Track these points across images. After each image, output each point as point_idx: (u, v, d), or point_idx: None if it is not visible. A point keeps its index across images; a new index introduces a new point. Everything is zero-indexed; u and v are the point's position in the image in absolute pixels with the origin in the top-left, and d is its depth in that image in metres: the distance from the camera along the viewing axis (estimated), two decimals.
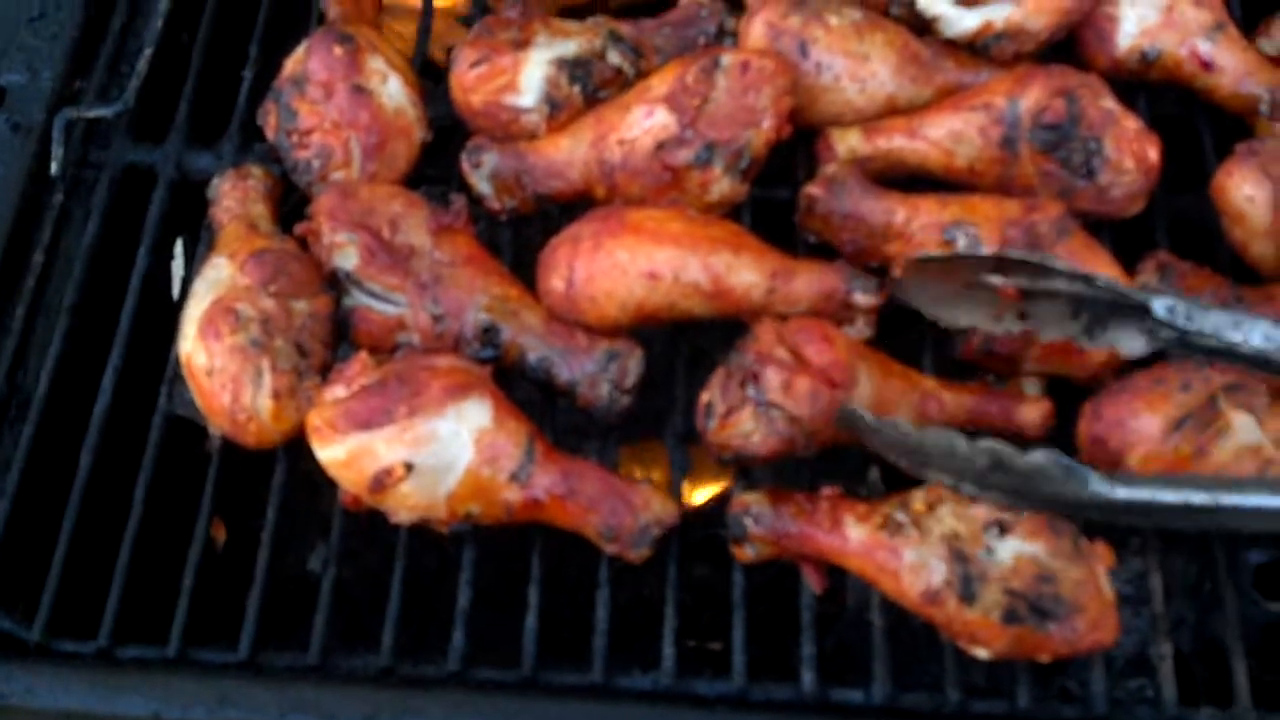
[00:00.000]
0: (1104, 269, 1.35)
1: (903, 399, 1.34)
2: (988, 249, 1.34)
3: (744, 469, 1.40)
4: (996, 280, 1.33)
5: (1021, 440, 1.35)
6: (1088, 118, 1.42)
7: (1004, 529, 1.22)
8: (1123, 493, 1.18)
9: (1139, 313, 1.26)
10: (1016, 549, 1.21)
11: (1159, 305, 1.23)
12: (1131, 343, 1.27)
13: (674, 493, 1.40)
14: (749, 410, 1.28)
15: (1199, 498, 1.16)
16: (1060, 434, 1.37)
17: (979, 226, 1.36)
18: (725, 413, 1.30)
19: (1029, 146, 1.43)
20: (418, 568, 1.40)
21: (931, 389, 1.36)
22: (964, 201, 1.40)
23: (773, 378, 1.27)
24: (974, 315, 1.37)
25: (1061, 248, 1.34)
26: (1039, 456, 1.19)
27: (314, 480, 1.54)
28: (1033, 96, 1.43)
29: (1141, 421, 1.28)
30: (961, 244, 1.36)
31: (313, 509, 1.64)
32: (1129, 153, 1.43)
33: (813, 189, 1.44)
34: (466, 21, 1.79)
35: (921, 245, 1.39)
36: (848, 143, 1.49)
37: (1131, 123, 1.44)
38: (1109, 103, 1.44)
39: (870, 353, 1.35)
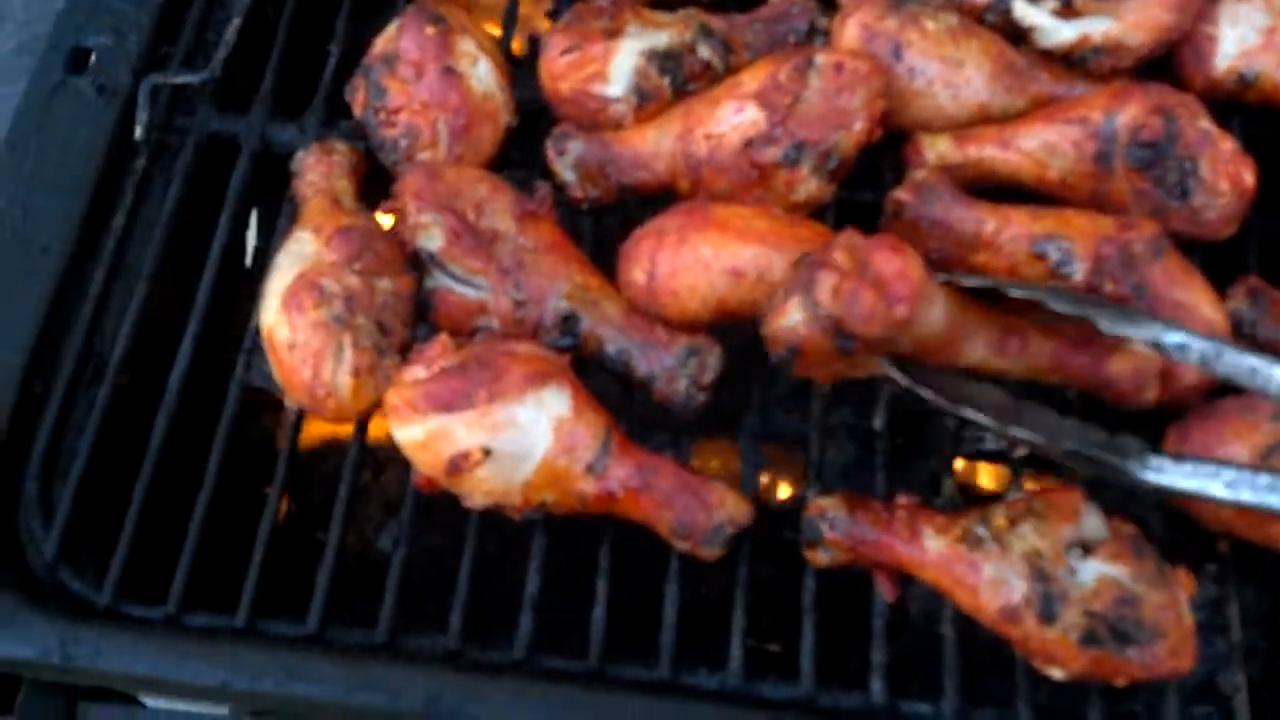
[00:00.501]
0: (1199, 293, 1.33)
1: (982, 330, 1.30)
2: (1081, 266, 1.32)
3: (817, 475, 1.39)
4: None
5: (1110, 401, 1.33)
6: (1185, 138, 1.40)
7: (1087, 549, 1.20)
8: (1151, 476, 1.16)
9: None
10: (1099, 570, 1.19)
11: (1170, 340, 1.19)
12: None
13: (747, 492, 1.39)
14: (796, 299, 1.26)
15: (1220, 493, 1.14)
16: None
17: (1073, 241, 1.34)
18: (780, 301, 1.28)
19: (1124, 163, 1.41)
20: (485, 551, 1.39)
21: (1016, 325, 1.30)
22: (1058, 215, 1.38)
23: (824, 279, 1.24)
24: None
25: (1157, 268, 1.32)
26: (1087, 440, 1.18)
27: (379, 458, 1.54)
28: (1130, 113, 1.41)
29: (1229, 449, 1.26)
30: (1054, 258, 1.34)
31: (377, 487, 1.64)
32: (1224, 175, 1.41)
33: (901, 194, 1.42)
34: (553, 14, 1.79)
35: (1010, 257, 1.37)
36: (938, 149, 1.48)
37: (1228, 144, 1.42)
38: (1206, 123, 1.42)
39: (954, 291, 1.30)
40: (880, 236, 1.26)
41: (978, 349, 1.31)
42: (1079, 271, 1.32)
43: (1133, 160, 1.40)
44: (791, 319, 1.26)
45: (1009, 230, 1.38)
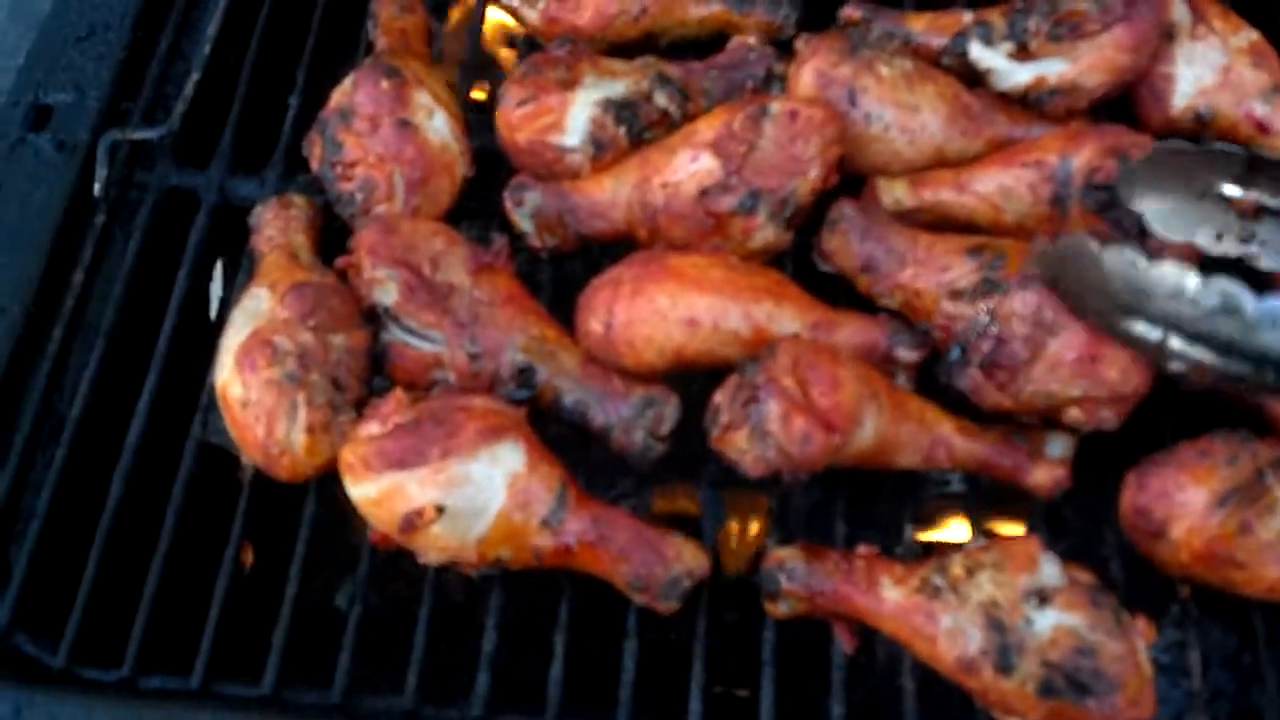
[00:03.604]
0: None
1: (911, 442, 1.33)
2: (1010, 262, 1.33)
3: (779, 521, 1.38)
4: (1235, 192, 1.27)
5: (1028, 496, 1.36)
6: None
7: (1044, 599, 1.19)
8: None
9: None
10: (1056, 620, 1.18)
11: None
12: None
13: (707, 539, 1.39)
14: (745, 431, 1.28)
15: None
16: (1104, 500, 1.35)
17: (1006, 253, 1.35)
18: (726, 425, 1.30)
19: (1079, 206, 1.41)
20: (445, 602, 1.39)
21: (945, 434, 1.34)
22: (990, 238, 1.40)
23: (773, 408, 1.25)
24: (1194, 230, 1.31)
25: None
26: (1275, 302, 1.14)
27: (344, 509, 1.53)
28: (1085, 155, 1.41)
29: (1187, 494, 1.26)
30: (986, 258, 1.35)
31: (342, 536, 1.63)
32: None
33: (846, 205, 1.44)
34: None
35: (943, 268, 1.37)
36: (894, 194, 1.47)
37: None
38: None
39: (887, 390, 1.33)
40: (816, 360, 1.28)
41: (909, 458, 1.34)
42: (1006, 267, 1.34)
43: (1088, 202, 1.40)
44: (739, 446, 1.29)
45: (941, 245, 1.39)
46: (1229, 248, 1.29)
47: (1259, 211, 1.28)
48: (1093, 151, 1.41)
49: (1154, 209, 1.31)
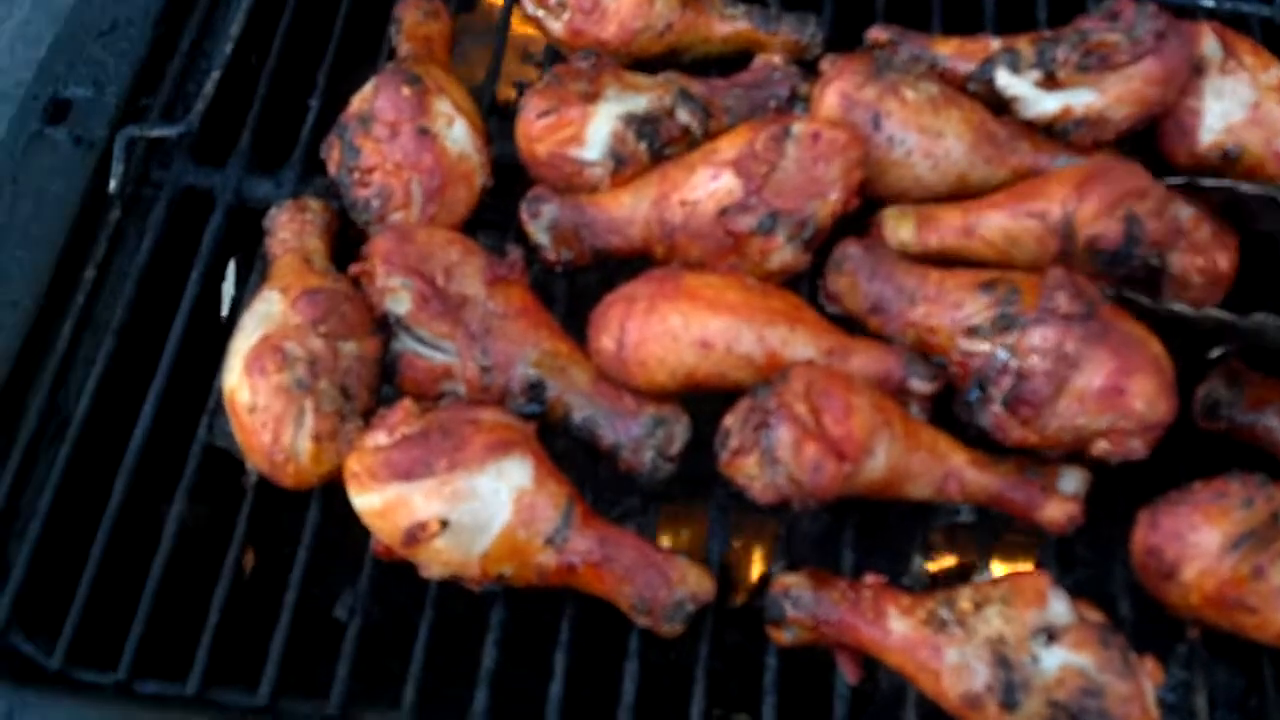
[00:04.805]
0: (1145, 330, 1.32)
1: (923, 474, 1.31)
2: (1025, 297, 1.32)
3: (786, 546, 1.37)
4: None
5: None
6: (1149, 236, 1.36)
7: (1052, 636, 1.18)
8: None
9: None
10: (1063, 659, 1.17)
11: None
12: None
13: (712, 562, 1.37)
14: (755, 456, 1.27)
15: None
16: (1116, 536, 1.33)
17: (1019, 284, 1.34)
18: (736, 449, 1.29)
19: (1085, 262, 1.38)
20: (447, 616, 1.37)
21: (958, 466, 1.32)
22: (1002, 272, 1.39)
23: (784, 435, 1.24)
24: None
25: (1105, 307, 1.31)
26: None
27: (348, 518, 1.53)
28: (1089, 209, 1.36)
29: (1200, 535, 1.24)
30: (999, 292, 1.34)
31: (345, 545, 1.62)
32: (1194, 268, 1.39)
33: (850, 245, 1.42)
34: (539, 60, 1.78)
35: (955, 305, 1.36)
36: (900, 235, 1.45)
37: (1203, 231, 1.40)
38: (1177, 210, 1.39)
39: (901, 420, 1.31)
40: (830, 386, 1.26)
41: (920, 489, 1.32)
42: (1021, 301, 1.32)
43: (1095, 263, 1.37)
44: (749, 472, 1.28)
45: (952, 281, 1.38)
46: None
47: None
48: (1098, 203, 1.36)
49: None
